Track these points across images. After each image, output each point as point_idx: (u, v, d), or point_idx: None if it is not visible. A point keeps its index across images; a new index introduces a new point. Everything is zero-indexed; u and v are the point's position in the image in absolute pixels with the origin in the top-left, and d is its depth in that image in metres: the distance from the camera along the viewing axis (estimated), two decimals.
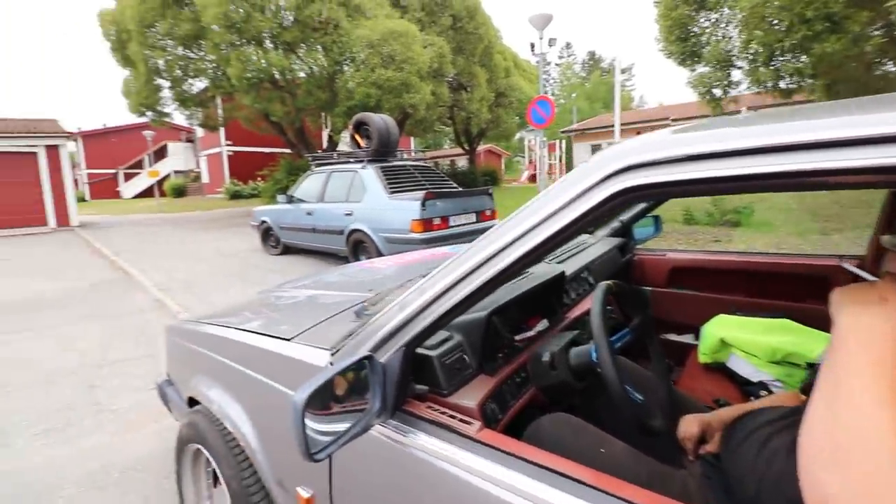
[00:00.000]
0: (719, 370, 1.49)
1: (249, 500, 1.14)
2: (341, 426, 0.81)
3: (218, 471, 1.26)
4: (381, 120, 5.89)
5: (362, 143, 6.12)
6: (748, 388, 1.37)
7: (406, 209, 4.95)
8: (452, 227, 5.19)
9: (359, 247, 5.59)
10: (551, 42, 9.64)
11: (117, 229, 12.43)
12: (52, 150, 13.64)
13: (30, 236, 12.14)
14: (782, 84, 7.73)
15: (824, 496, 0.45)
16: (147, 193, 29.00)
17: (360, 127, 6.17)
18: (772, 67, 7.21)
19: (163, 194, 26.08)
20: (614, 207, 0.66)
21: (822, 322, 1.47)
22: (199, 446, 1.35)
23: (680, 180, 0.58)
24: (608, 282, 1.03)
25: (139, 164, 31.87)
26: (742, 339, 1.44)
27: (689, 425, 0.94)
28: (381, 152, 5.88)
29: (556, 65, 50.67)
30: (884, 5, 5.35)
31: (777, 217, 7.93)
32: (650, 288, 1.99)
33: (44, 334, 4.16)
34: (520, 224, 0.73)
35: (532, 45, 9.51)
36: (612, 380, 0.86)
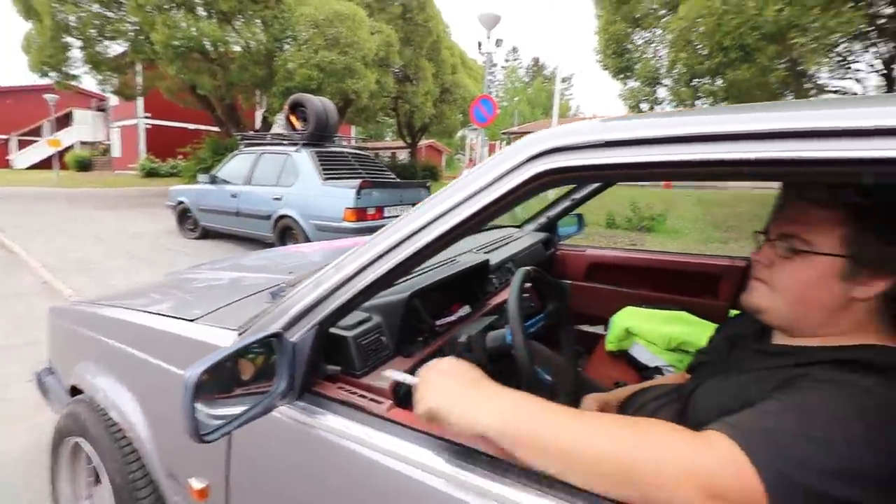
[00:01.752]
0: (623, 357, 1.60)
1: (135, 495, 1.03)
2: (240, 409, 0.76)
3: (100, 466, 1.13)
4: (319, 102, 5.66)
5: (298, 125, 5.84)
6: (645, 373, 1.49)
7: (340, 196, 4.79)
8: (387, 217, 5.11)
9: (286, 234, 5.34)
10: (498, 42, 9.82)
11: (4, 203, 10.87)
12: None
13: None
14: (698, 104, 8.51)
15: None
16: (45, 165, 25.57)
17: (297, 108, 5.89)
18: (691, 87, 7.91)
19: (64, 167, 23.17)
20: (536, 189, 0.67)
21: (713, 314, 1.67)
22: (80, 440, 1.21)
23: (597, 164, 0.60)
24: (527, 268, 1.06)
25: (37, 132, 28.05)
26: (644, 328, 1.56)
27: (589, 403, 0.99)
28: (318, 136, 5.65)
29: (503, 67, 51.88)
30: (788, 42, 6.02)
31: (686, 226, 8.75)
32: (570, 281, 2.09)
33: None
34: (443, 202, 0.72)
35: (479, 44, 9.64)
36: (523, 359, 0.88)
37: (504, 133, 25.49)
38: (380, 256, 0.75)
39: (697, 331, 1.50)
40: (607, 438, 0.54)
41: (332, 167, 5.36)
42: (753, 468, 0.48)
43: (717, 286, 1.79)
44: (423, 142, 25.43)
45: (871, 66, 9.14)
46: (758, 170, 0.53)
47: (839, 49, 8.75)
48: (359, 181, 4.83)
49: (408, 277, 1.25)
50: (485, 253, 1.72)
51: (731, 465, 0.49)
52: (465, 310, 1.32)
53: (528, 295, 1.56)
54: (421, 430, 0.72)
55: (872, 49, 8.81)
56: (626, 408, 0.88)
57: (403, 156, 24.06)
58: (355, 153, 6.06)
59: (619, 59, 8.80)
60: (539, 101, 40.72)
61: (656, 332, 1.55)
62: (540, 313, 1.14)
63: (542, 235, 2.09)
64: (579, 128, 0.63)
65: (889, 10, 7.72)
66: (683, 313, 1.63)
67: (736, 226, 8.74)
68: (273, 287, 1.24)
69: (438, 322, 1.24)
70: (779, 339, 0.74)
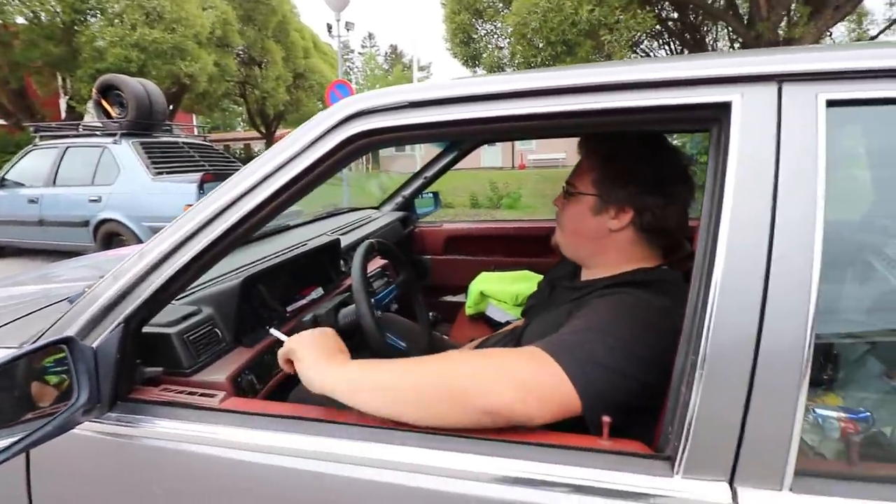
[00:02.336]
0: (481, 319, 1.74)
1: None
2: (25, 433, 0.63)
3: None
4: (138, 84, 4.82)
5: (113, 111, 4.93)
6: (499, 328, 1.63)
7: (177, 193, 4.19)
8: None
9: (113, 240, 4.53)
10: (349, 26, 9.54)
11: None
12: None
13: None
14: None
15: None
16: None
17: (110, 92, 4.95)
18: None
19: None
20: (351, 154, 0.67)
21: (548, 269, 1.90)
22: None
23: (404, 125, 0.63)
24: (370, 240, 1.06)
25: None
26: (496, 290, 1.71)
27: None
28: (142, 125, 4.83)
29: (360, 54, 50.65)
30: (601, 38, 6.96)
31: (538, 201, 9.76)
32: (430, 256, 2.17)
33: None
34: (254, 173, 0.68)
35: (329, 27, 9.24)
36: (370, 328, 0.89)
37: None
38: (188, 238, 0.69)
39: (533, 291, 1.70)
40: (434, 367, 0.61)
41: (165, 160, 4.65)
42: (559, 367, 0.58)
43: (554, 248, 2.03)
44: (281, 131, 23.66)
45: None
46: (536, 123, 0.61)
47: (643, 46, 10.50)
48: (200, 174, 4.30)
49: (251, 264, 1.16)
50: (340, 235, 1.69)
51: (543, 367, 0.58)
52: (318, 292, 1.28)
53: (384, 270, 1.59)
54: (264, 414, 0.69)
55: (666, 46, 10.77)
56: None
57: (259, 147, 22.13)
58: (195, 144, 5.36)
59: (466, 48, 9.25)
60: None
61: (506, 292, 1.71)
62: (387, 287, 1.16)
63: (399, 215, 2.13)
64: (385, 91, 0.65)
65: (675, 15, 9.49)
66: (526, 272, 1.83)
67: None
68: (74, 293, 1.04)
69: (290, 308, 1.18)
70: (583, 276, 0.88)
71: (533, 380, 0.57)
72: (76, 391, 0.68)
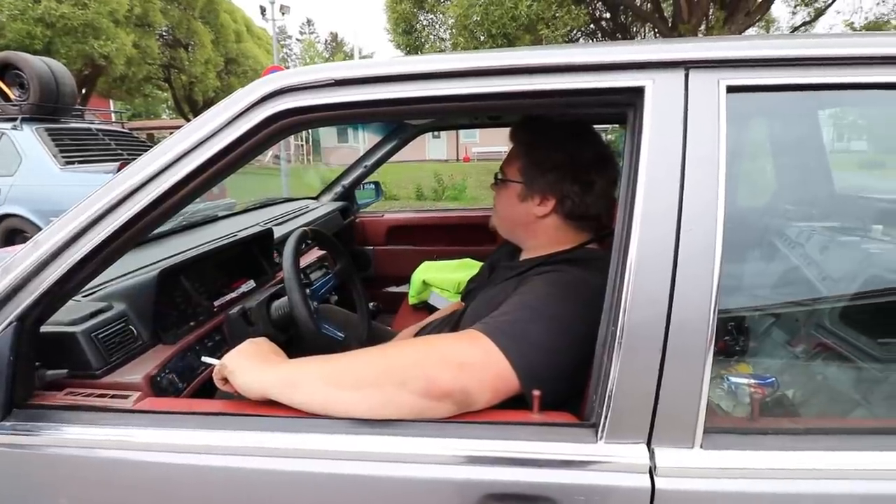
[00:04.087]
0: (424, 308, 1.74)
1: None
2: None
3: None
4: (41, 63, 4.30)
5: (12, 93, 4.37)
6: None
7: (91, 184, 3.76)
8: None
9: (16, 238, 4.06)
10: (283, 10, 9.14)
11: None
12: None
13: None
14: None
15: None
16: None
17: (7, 71, 4.39)
18: None
19: None
20: (273, 135, 0.64)
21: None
22: None
23: (329, 104, 0.61)
24: (303, 228, 1.02)
25: None
26: (438, 278, 1.72)
27: None
28: (47, 109, 4.32)
29: (298, 40, 48.58)
30: (538, 33, 7.14)
31: (483, 193, 9.91)
32: (372, 247, 2.14)
33: None
34: (165, 154, 0.63)
35: (262, 10, 8.78)
36: (302, 316, 0.86)
37: None
38: (90, 225, 0.62)
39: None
40: (373, 356, 0.61)
41: (76, 148, 4.19)
42: (496, 347, 0.59)
43: (493, 233, 2.07)
44: None
45: None
46: (459, 105, 0.61)
47: (578, 43, 10.92)
48: (118, 164, 3.92)
49: (174, 255, 1.08)
50: (275, 225, 1.61)
51: (480, 348, 0.59)
52: (249, 285, 1.21)
53: (323, 261, 1.54)
54: (183, 412, 0.65)
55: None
56: None
57: None
58: (111, 131, 4.88)
59: (408, 37, 9.15)
60: None
61: (448, 280, 1.72)
62: (324, 276, 1.13)
63: (338, 205, 2.07)
64: (309, 68, 0.62)
65: (607, 15, 9.94)
66: (468, 259, 1.85)
67: None
68: None
69: (217, 302, 1.11)
70: (522, 256, 0.91)
71: (469, 360, 0.58)
72: None
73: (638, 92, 0.56)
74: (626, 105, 0.59)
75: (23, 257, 0.64)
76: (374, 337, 1.14)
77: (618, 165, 0.86)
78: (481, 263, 1.84)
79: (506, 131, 0.90)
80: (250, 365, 0.64)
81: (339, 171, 2.21)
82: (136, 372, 0.79)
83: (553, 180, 0.78)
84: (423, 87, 0.60)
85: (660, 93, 0.55)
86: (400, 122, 1.84)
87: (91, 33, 8.78)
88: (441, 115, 0.68)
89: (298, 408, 0.60)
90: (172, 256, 1.07)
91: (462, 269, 1.78)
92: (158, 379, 0.80)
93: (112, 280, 0.92)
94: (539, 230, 0.84)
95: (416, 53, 9.51)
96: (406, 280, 2.09)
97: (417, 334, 1.03)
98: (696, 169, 0.54)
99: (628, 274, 0.53)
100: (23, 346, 0.65)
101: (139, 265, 1.01)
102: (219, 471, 0.59)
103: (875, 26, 9.95)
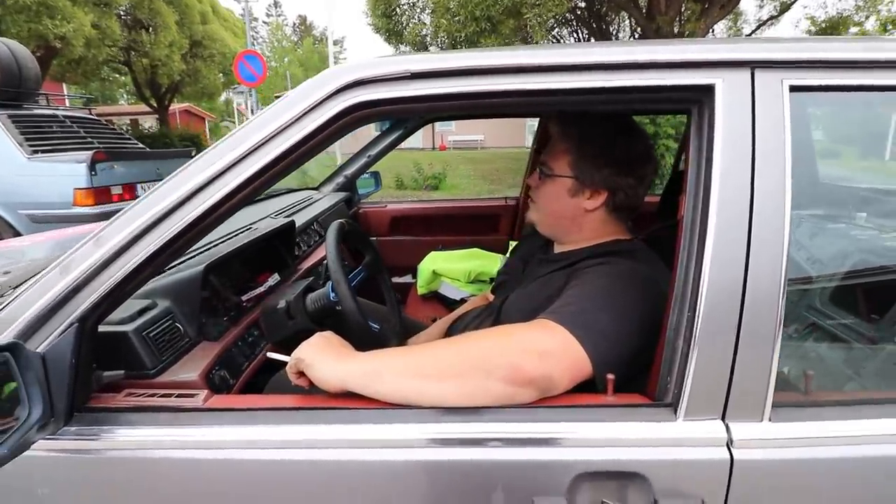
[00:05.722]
0: (433, 297, 1.76)
1: None
2: None
3: None
4: (2, 45, 4.02)
5: None
6: (454, 306, 1.67)
7: (62, 174, 3.57)
8: None
9: None
10: None
11: None
12: None
13: None
14: None
15: None
16: None
17: None
18: None
19: None
20: (345, 127, 0.63)
21: (497, 246, 1.98)
22: None
23: (406, 97, 0.61)
24: (340, 220, 1.02)
25: None
26: (447, 268, 1.74)
27: (424, 338, 1.06)
28: (9, 94, 4.04)
29: (265, 22, 46.76)
30: (523, 18, 7.08)
31: (462, 182, 9.94)
32: (375, 237, 2.13)
33: None
34: (233, 149, 0.61)
35: None
36: (352, 311, 0.86)
37: (278, 96, 23.35)
38: (159, 221, 0.61)
39: (488, 262, 1.76)
40: (454, 347, 0.63)
41: (43, 136, 3.94)
42: (571, 335, 0.62)
43: (497, 223, 2.10)
44: (177, 106, 21.18)
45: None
46: (537, 99, 0.62)
47: (555, 33, 10.94)
48: (90, 153, 3.72)
49: (195, 251, 1.05)
50: (284, 218, 1.59)
51: (557, 336, 0.62)
52: (275, 278, 1.20)
53: (343, 254, 1.53)
54: (258, 408, 0.64)
55: (575, 34, 11.33)
56: (452, 332, 0.97)
57: (150, 123, 19.63)
58: (80, 118, 4.61)
59: (388, 20, 8.94)
60: (312, 63, 38.50)
61: (457, 270, 1.74)
62: (356, 267, 1.13)
63: (342, 195, 2.05)
64: (384, 60, 0.62)
65: (583, 4, 9.98)
66: (476, 249, 1.88)
67: (498, 178, 10.37)
68: None
69: (245, 297, 1.10)
70: (556, 249, 0.93)
71: (550, 348, 0.60)
72: (27, 406, 0.58)
73: (708, 90, 0.59)
74: (692, 101, 0.62)
75: (83, 256, 0.62)
76: (406, 328, 1.15)
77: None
78: (489, 253, 1.89)
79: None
80: (327, 358, 0.64)
81: (329, 157, 2.19)
82: (189, 370, 0.78)
83: (608, 174, 0.80)
84: (496, 82, 0.60)
85: (730, 90, 0.58)
86: (469, 116, 1.83)
87: (45, 12, 8.21)
88: (510, 110, 0.69)
89: (380, 399, 0.61)
90: (199, 251, 1.04)
91: (471, 259, 1.80)
92: (212, 376, 0.80)
93: None
94: (585, 224, 0.85)
95: (397, 37, 9.35)
96: (410, 270, 2.10)
97: (454, 328, 1.04)
98: (765, 162, 0.57)
99: (706, 261, 0.56)
100: (83, 349, 0.63)
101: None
102: (306, 464, 0.59)
103: (837, 22, 10.42)
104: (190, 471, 0.62)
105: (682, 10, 7.75)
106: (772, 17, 10.87)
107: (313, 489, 0.60)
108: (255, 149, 0.61)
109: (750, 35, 11.50)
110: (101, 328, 0.72)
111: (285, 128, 0.61)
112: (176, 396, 0.68)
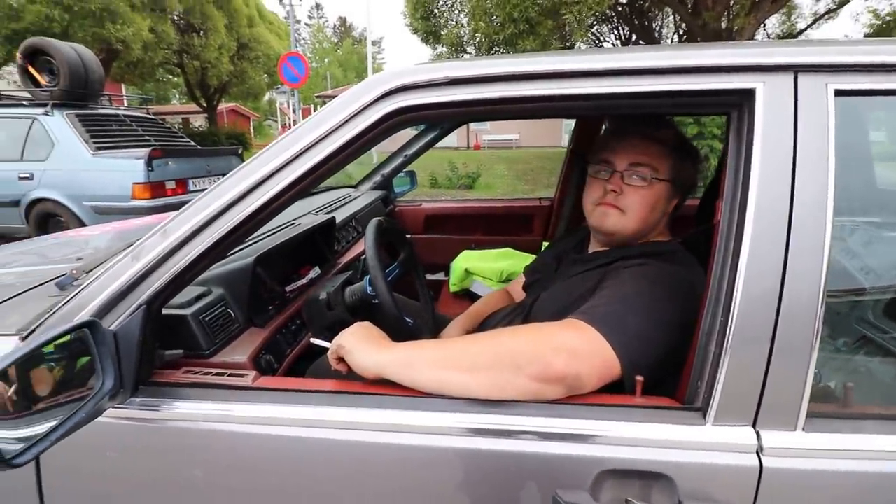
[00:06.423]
0: (465, 295, 1.78)
1: None
2: (51, 423, 0.60)
3: None
4: (71, 50, 4.35)
5: (42, 79, 4.43)
6: None
7: (123, 170, 3.86)
8: (193, 192, 4.36)
9: (49, 222, 4.14)
10: None
11: None
12: None
13: None
14: None
15: None
16: None
17: (37, 57, 4.44)
18: (492, 56, 8.68)
19: None
20: (389, 129, 0.67)
21: (530, 246, 1.98)
22: None
23: (445, 102, 0.64)
24: (379, 218, 1.06)
25: None
26: (480, 267, 1.77)
27: (452, 329, 1.10)
28: (76, 94, 4.38)
29: (307, 25, 48.18)
30: (561, 18, 7.00)
31: (497, 181, 9.90)
32: (410, 235, 2.17)
33: None
34: (286, 150, 0.66)
35: None
36: (388, 305, 0.90)
37: (318, 97, 24.00)
38: (220, 214, 0.66)
39: (521, 262, 1.76)
40: (486, 341, 0.65)
41: (106, 134, 4.26)
42: (600, 335, 0.63)
43: (531, 224, 2.11)
44: (224, 105, 22.15)
45: (615, 45, 11.48)
46: (575, 104, 0.64)
47: (594, 30, 10.73)
48: (147, 150, 3.98)
49: (244, 244, 1.12)
50: (325, 214, 1.66)
51: (586, 336, 0.63)
52: (316, 271, 1.26)
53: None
54: (293, 389, 0.69)
55: (616, 31, 11.08)
56: (486, 326, 1.00)
57: (200, 122, 20.62)
58: (138, 117, 4.94)
59: (426, 22, 9.03)
60: (351, 64, 39.38)
61: (490, 269, 1.76)
62: (392, 263, 1.17)
63: (379, 193, 2.11)
64: (424, 66, 0.65)
65: (625, 0, 9.74)
66: (508, 249, 1.89)
67: (533, 178, 10.27)
68: (58, 278, 0.97)
69: (289, 288, 1.16)
70: (593, 248, 0.93)
71: (580, 347, 0.62)
72: (100, 377, 0.65)
73: (748, 94, 0.59)
74: (733, 105, 0.62)
75: (151, 246, 0.68)
76: (439, 323, 1.18)
77: None
78: (521, 253, 1.89)
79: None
80: (366, 346, 0.68)
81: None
82: (240, 353, 0.84)
83: (693, 180, 0.81)
84: (535, 87, 0.62)
85: (770, 95, 0.58)
86: (507, 118, 1.86)
87: (108, 17, 8.81)
88: (548, 113, 0.70)
89: (414, 387, 0.64)
90: (249, 244, 1.11)
91: (503, 259, 1.82)
92: (259, 358, 0.86)
93: None
94: (657, 228, 0.86)
95: (434, 38, 9.42)
96: (442, 268, 2.14)
97: (486, 323, 1.06)
98: (807, 168, 0.56)
99: (741, 267, 0.56)
100: (149, 329, 0.70)
101: None
102: (342, 444, 0.63)
103: None
104: (237, 443, 0.67)
105: (731, 4, 7.43)
106: (829, 11, 10.22)
107: (348, 467, 0.64)
108: (308, 148, 0.66)
109: (804, 30, 10.87)
110: (164, 311, 0.79)
111: (335, 129, 0.65)
112: (228, 375, 0.73)
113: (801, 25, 11.58)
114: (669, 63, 0.60)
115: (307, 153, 0.65)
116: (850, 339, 0.66)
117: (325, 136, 0.65)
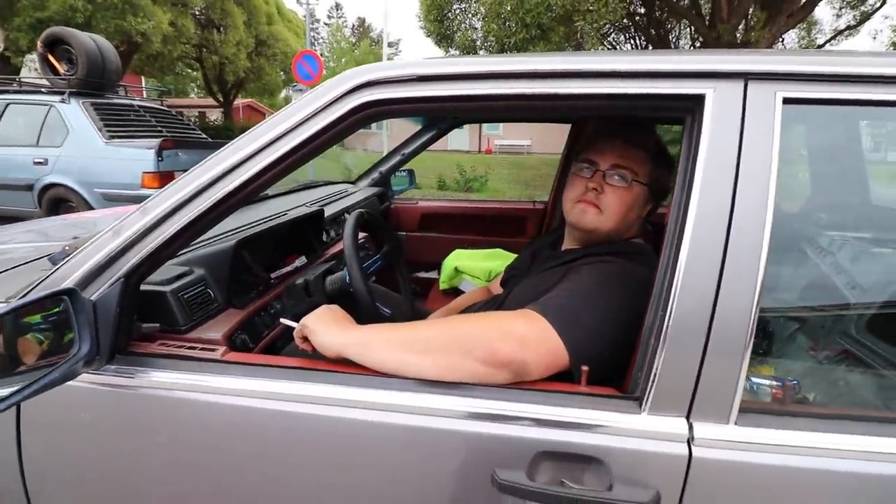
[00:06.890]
0: (454, 293, 1.81)
1: None
2: (26, 381, 0.64)
3: None
4: (90, 40, 4.47)
5: (61, 68, 4.56)
6: None
7: (134, 158, 3.96)
8: None
9: (60, 207, 4.25)
10: None
11: None
12: None
13: None
14: None
15: None
16: None
17: (57, 46, 4.57)
18: None
19: None
20: (358, 122, 0.70)
21: (520, 248, 1.99)
22: None
23: (411, 97, 0.67)
24: (360, 210, 1.10)
25: None
26: (469, 266, 1.79)
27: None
28: (93, 84, 4.50)
29: (326, 24, 48.68)
30: (574, 25, 7.01)
31: (504, 186, 9.94)
32: (405, 232, 2.21)
33: None
34: (257, 139, 0.70)
35: None
36: (361, 293, 0.94)
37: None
38: (192, 197, 0.70)
39: (509, 262, 1.78)
40: (440, 325, 0.69)
41: (119, 123, 4.37)
42: (550, 325, 0.65)
43: (524, 225, 2.13)
44: (241, 101, 22.46)
45: None
46: (536, 104, 0.67)
47: (611, 38, 10.72)
48: (158, 140, 4.08)
49: (234, 230, 1.17)
50: (319, 207, 1.70)
51: (536, 325, 0.66)
52: (302, 260, 1.30)
53: (364, 241, 1.62)
54: (261, 364, 0.73)
55: (632, 40, 11.05)
56: None
57: (216, 116, 20.94)
58: (152, 108, 5.05)
59: (440, 25, 9.11)
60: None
61: (478, 268, 1.79)
62: (373, 257, 1.21)
63: (375, 190, 2.15)
64: (394, 63, 0.69)
65: (642, 10, 9.73)
66: (498, 250, 1.92)
67: (541, 184, 10.30)
68: (52, 254, 1.02)
69: (274, 275, 1.20)
70: (566, 245, 0.96)
71: (529, 336, 0.64)
72: (77, 342, 0.70)
73: (699, 99, 0.61)
74: (686, 110, 0.64)
75: (131, 222, 0.73)
76: (416, 316, 1.21)
77: None
78: (511, 254, 1.92)
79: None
80: (329, 327, 0.72)
81: (356, 154, 2.30)
82: (215, 330, 0.88)
83: (667, 187, 0.84)
84: (497, 86, 0.65)
85: (720, 101, 0.60)
86: (476, 117, 1.89)
87: (129, 10, 9.00)
88: (512, 113, 0.73)
89: (373, 367, 0.67)
90: (237, 230, 1.16)
91: (492, 259, 1.85)
92: (234, 338, 0.89)
93: (190, 247, 1.02)
94: (631, 230, 0.89)
95: (447, 41, 9.49)
96: (436, 266, 2.17)
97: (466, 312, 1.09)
98: (749, 175, 0.58)
99: (679, 267, 0.58)
100: (126, 301, 0.74)
101: (210, 235, 1.10)
102: (301, 416, 0.67)
103: None
104: (206, 411, 0.71)
105: (749, 17, 7.39)
106: (849, 27, 10.11)
107: (307, 438, 0.68)
108: (279, 137, 0.69)
109: (821, 46, 10.76)
110: (144, 287, 0.83)
111: (306, 119, 0.69)
112: (199, 349, 0.77)
113: (820, 41, 11.47)
114: (627, 67, 0.63)
115: (279, 141, 0.69)
116: (785, 340, 0.68)
117: (297, 126, 0.69)
